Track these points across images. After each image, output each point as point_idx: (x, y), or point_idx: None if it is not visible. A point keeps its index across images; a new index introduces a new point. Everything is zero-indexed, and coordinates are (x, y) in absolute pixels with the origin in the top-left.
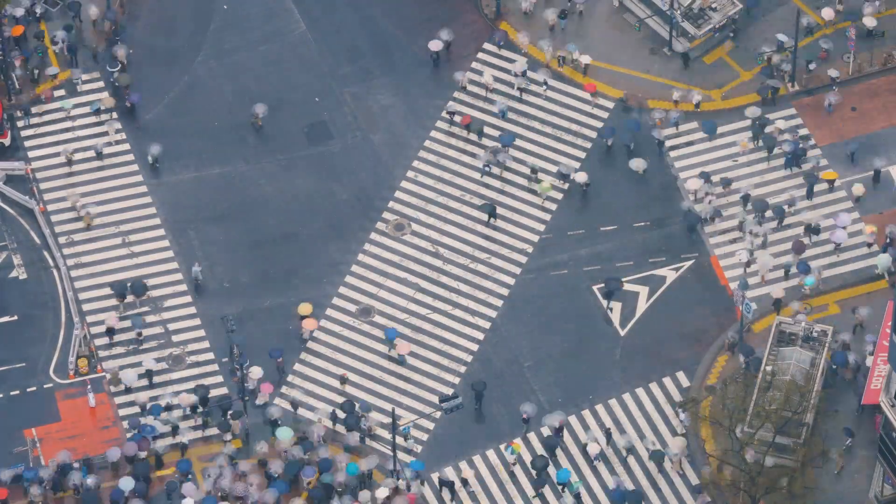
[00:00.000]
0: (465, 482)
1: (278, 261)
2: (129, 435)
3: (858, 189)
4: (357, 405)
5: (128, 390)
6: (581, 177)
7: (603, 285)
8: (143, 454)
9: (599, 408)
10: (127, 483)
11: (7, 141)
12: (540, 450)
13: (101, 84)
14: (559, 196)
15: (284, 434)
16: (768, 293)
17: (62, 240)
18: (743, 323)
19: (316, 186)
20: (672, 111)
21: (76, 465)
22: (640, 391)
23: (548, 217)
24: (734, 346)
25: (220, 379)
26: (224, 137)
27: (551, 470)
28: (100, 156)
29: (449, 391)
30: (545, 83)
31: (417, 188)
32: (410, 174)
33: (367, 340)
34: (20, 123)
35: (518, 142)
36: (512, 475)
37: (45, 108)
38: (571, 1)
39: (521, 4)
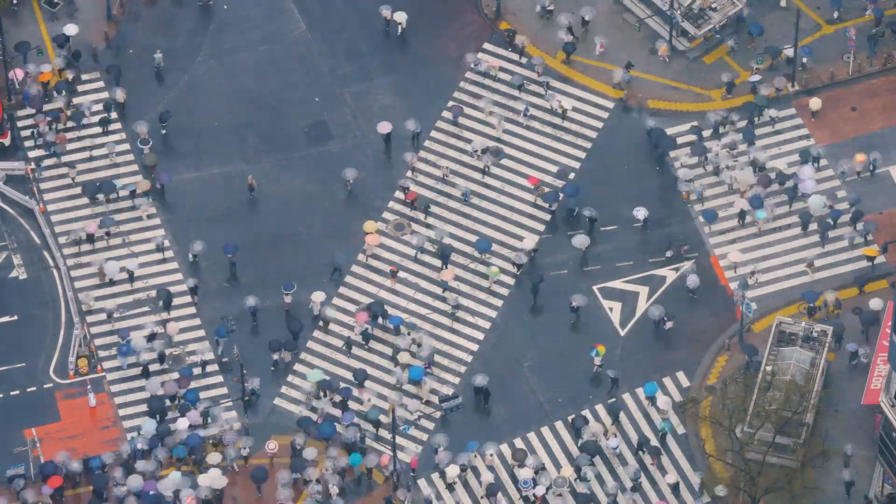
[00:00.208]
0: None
1: (278, 261)
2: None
3: (815, 103)
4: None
5: (112, 283)
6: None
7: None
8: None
9: (599, 407)
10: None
11: (7, 141)
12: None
13: (101, 84)
14: (510, 281)
15: (314, 376)
16: (768, 293)
17: (62, 240)
18: (743, 323)
19: (316, 186)
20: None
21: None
22: (640, 391)
23: (548, 217)
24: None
25: (219, 379)
26: (224, 137)
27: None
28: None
29: (449, 391)
30: (547, 84)
31: (417, 188)
32: (410, 174)
33: (366, 340)
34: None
35: (519, 142)
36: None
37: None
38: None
39: (597, 50)
